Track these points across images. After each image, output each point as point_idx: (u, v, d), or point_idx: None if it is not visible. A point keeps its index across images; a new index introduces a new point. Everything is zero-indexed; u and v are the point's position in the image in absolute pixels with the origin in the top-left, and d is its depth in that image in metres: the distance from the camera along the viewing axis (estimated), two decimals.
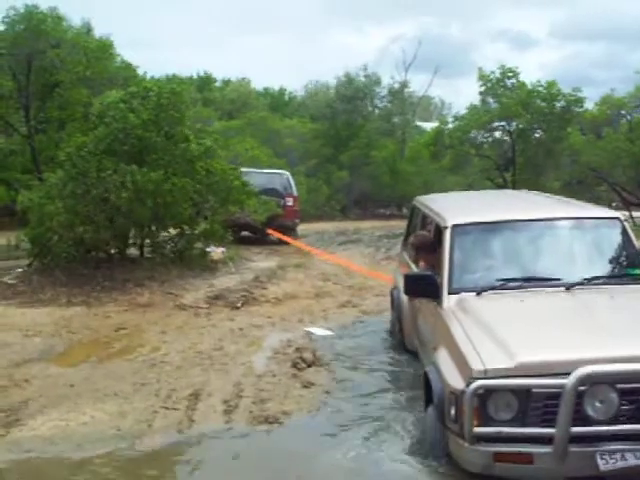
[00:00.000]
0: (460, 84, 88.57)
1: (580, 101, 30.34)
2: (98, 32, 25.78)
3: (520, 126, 30.78)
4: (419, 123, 45.52)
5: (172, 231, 15.36)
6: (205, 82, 51.08)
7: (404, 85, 37.87)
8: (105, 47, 24.00)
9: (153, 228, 14.92)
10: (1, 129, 25.08)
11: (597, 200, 20.62)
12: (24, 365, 8.62)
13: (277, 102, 49.45)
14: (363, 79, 37.33)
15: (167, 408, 7.11)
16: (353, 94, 36.56)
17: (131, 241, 15.05)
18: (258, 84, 55.68)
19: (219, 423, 6.74)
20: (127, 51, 45.25)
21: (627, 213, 22.61)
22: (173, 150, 14.58)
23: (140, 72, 26.16)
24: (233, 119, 40.39)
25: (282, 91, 51.77)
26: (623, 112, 30.28)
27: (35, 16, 21.76)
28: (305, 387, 7.72)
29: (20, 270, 14.22)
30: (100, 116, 14.75)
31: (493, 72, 31.07)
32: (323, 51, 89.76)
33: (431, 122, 44.27)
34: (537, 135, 31.51)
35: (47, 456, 6.03)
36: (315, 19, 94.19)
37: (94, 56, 22.63)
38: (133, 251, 15.15)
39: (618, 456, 4.81)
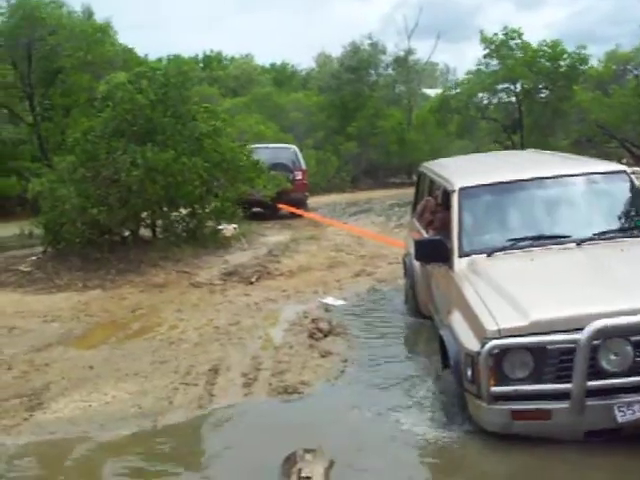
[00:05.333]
0: (465, 48, 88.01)
1: (585, 59, 30.14)
2: (99, 17, 25.68)
3: (525, 87, 30.62)
4: (425, 90, 45.24)
5: (183, 211, 15.37)
6: (209, 61, 50.88)
7: (409, 53, 37.60)
8: (102, 30, 23.91)
9: (165, 208, 14.92)
10: (7, 119, 25.09)
11: (607, 157, 20.45)
12: (44, 350, 8.68)
13: (281, 77, 49.20)
14: (368, 48, 37.05)
15: (187, 384, 7.16)
16: (358, 64, 36.31)
17: (143, 223, 15.07)
18: (264, 60, 55.47)
19: (239, 396, 6.79)
20: (128, 34, 45.17)
21: (638, 169, 22.45)
22: (181, 129, 14.56)
23: (141, 54, 26.12)
24: (238, 96, 40.26)
25: (285, 65, 51.45)
26: (630, 67, 30.01)
27: (29, 3, 21.71)
28: (323, 357, 7.76)
29: (35, 258, 14.25)
30: (106, 98, 14.70)
31: (496, 34, 30.88)
32: (327, 22, 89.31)
33: (437, 88, 43.97)
34: (543, 95, 31.33)
35: (71, 437, 6.09)
36: None
37: (93, 40, 22.58)
38: (146, 232, 15.19)
39: (636, 407, 4.84)
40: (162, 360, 8.01)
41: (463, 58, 79.82)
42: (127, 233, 14.66)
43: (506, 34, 30.81)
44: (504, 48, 30.79)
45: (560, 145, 27.11)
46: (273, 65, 52.08)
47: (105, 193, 13.48)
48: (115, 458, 5.69)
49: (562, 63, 30.05)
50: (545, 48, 30.20)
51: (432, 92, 43.29)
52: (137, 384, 7.29)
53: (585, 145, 27.65)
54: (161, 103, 14.40)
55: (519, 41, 30.83)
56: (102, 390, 7.16)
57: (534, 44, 30.73)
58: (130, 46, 25.70)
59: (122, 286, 12.03)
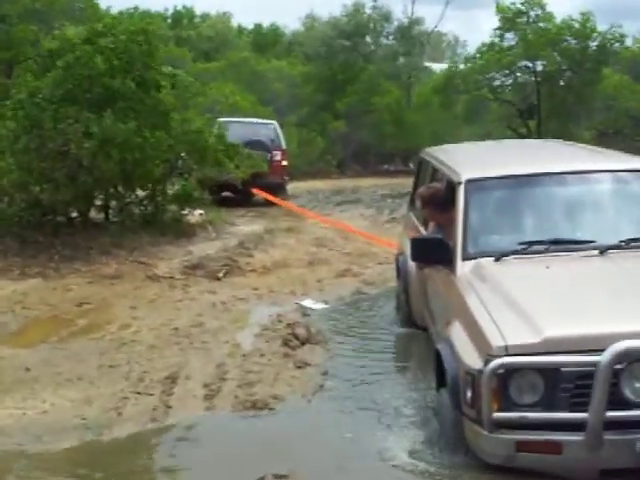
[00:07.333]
0: (479, 17, 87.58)
1: (621, 38, 30.04)
2: None
3: (546, 68, 30.61)
4: (428, 64, 45.14)
5: (140, 193, 15.30)
6: (179, 17, 50.58)
7: (414, 22, 37.39)
8: None
9: (120, 188, 14.85)
10: None
11: (636, 152, 20.52)
12: None
13: (263, 40, 48.98)
14: (370, 12, 36.85)
15: (139, 393, 7.15)
16: (354, 30, 36.09)
17: (94, 204, 14.98)
18: (244, 20, 55.00)
19: (199, 410, 6.77)
20: None
21: None
22: (144, 99, 14.47)
23: (104, 5, 25.93)
24: (211, 61, 40.16)
25: (274, 28, 51.14)
26: None
27: None
28: (299, 368, 7.76)
29: None
30: (55, 55, 14.49)
31: (514, 3, 30.81)
32: None
33: (443, 63, 43.84)
34: (566, 77, 31.32)
35: (1, 449, 6.04)
36: None
37: None
38: (97, 215, 15.11)
39: None
40: (111, 364, 7.99)
41: (476, 29, 79.58)
42: (75, 214, 14.57)
43: (525, 3, 30.76)
44: (522, 20, 30.73)
45: (583, 136, 27.16)
46: (258, 26, 51.71)
47: (51, 167, 13.39)
48: (50, 477, 5.66)
49: (591, 44, 29.96)
50: (572, 22, 30.08)
51: (437, 67, 43.18)
52: (81, 391, 7.26)
53: (612, 137, 27.69)
54: (123, 69, 14.25)
55: (540, 12, 30.81)
56: (39, 396, 7.12)
57: (558, 18, 30.71)
58: None
59: (67, 276, 11.99)
